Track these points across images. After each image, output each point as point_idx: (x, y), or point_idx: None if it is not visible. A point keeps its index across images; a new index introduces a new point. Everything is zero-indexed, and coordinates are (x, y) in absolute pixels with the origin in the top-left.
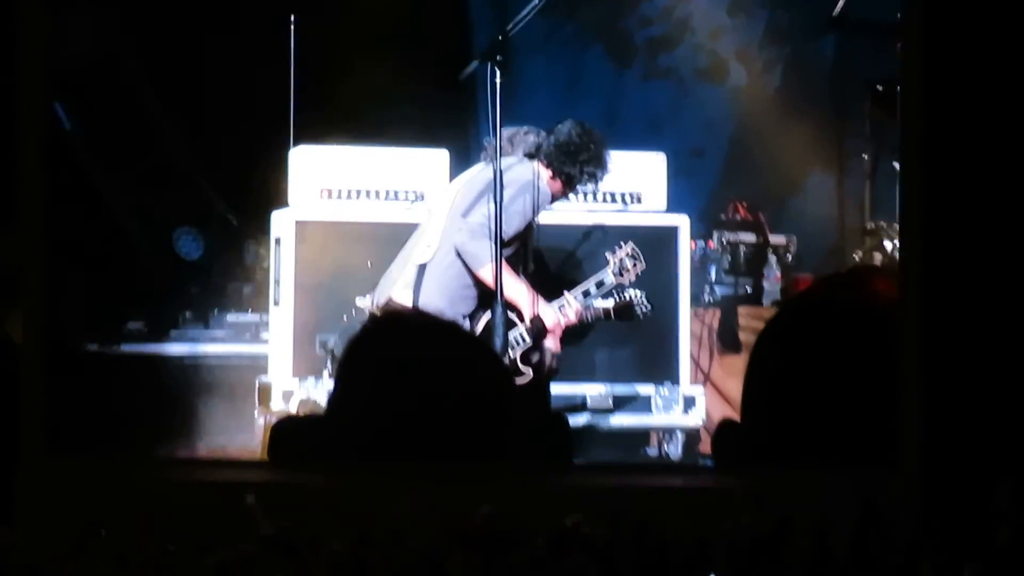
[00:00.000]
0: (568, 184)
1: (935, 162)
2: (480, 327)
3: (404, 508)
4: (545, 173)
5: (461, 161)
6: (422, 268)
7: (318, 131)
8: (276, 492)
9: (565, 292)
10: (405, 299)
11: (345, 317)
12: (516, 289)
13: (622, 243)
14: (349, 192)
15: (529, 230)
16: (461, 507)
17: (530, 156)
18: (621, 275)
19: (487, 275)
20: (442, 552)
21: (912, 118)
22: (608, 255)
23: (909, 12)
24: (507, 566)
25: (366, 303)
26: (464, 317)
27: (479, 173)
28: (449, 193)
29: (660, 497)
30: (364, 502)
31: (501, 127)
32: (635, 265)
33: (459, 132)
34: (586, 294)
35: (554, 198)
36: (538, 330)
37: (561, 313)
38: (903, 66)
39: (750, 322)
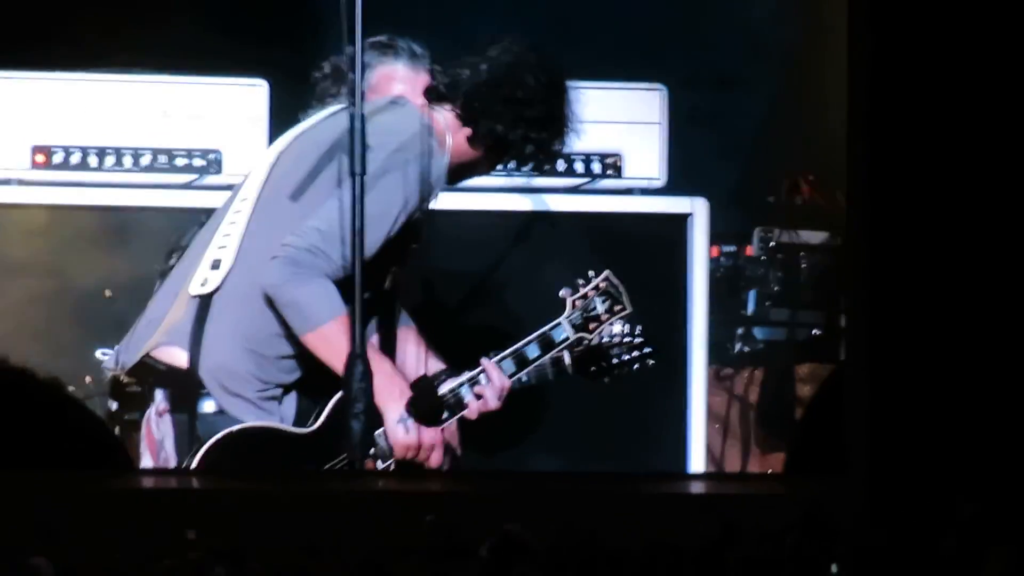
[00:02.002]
0: (494, 152)
1: (880, 180)
2: (320, 418)
3: (349, 517)
4: (453, 126)
5: (291, 100)
6: (205, 302)
7: (21, 49)
8: (215, 500)
9: (483, 359)
10: (172, 356)
11: (88, 379)
12: (382, 365)
13: (591, 272)
14: (83, 155)
15: (414, 230)
16: (406, 516)
17: (427, 96)
18: (586, 326)
19: (324, 344)
20: (387, 560)
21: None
22: (565, 292)
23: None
24: (451, 574)
25: (111, 363)
26: (276, 396)
27: (321, 126)
28: (263, 164)
29: (612, 504)
30: (311, 510)
31: (362, 35)
32: (612, 308)
33: (288, 47)
34: (520, 361)
35: (462, 172)
36: (421, 422)
37: (472, 395)
38: None
39: (817, 391)
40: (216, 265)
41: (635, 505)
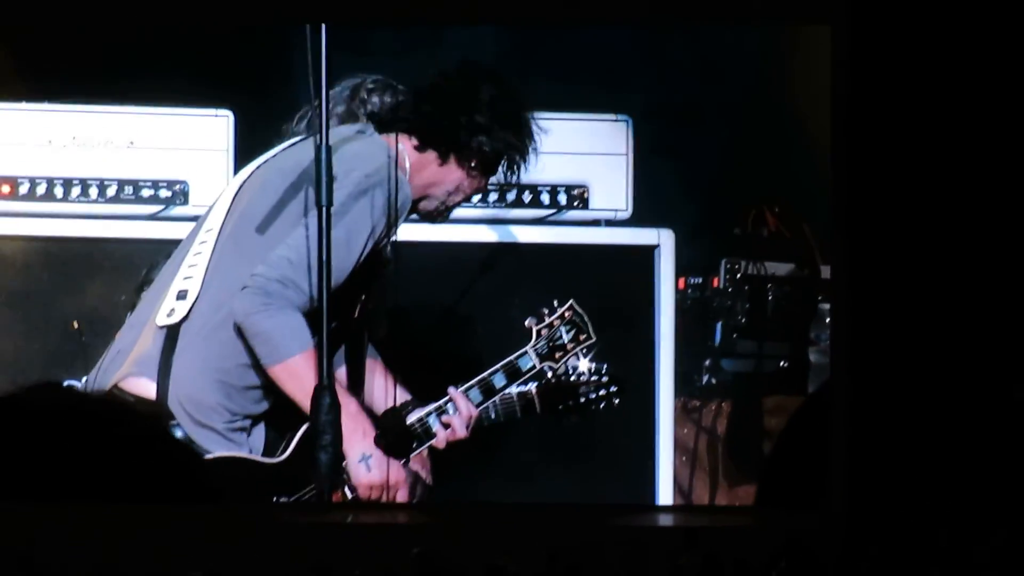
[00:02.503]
0: (460, 169)
1: (862, 209)
2: (288, 450)
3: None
4: (408, 148)
5: (256, 130)
6: (172, 332)
7: None
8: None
9: (451, 388)
10: (140, 387)
11: None
12: (348, 405)
13: (556, 302)
14: (48, 185)
15: (378, 261)
16: (394, 546)
17: (381, 124)
18: (552, 355)
19: (291, 378)
20: None
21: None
22: (530, 321)
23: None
24: None
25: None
26: (247, 424)
27: (285, 155)
28: (227, 194)
29: (590, 536)
30: (283, 541)
31: (328, 71)
32: (578, 337)
33: (253, 80)
34: (487, 390)
35: (436, 199)
36: (390, 453)
37: (440, 424)
38: None
39: (786, 423)
40: (182, 295)
41: (613, 537)
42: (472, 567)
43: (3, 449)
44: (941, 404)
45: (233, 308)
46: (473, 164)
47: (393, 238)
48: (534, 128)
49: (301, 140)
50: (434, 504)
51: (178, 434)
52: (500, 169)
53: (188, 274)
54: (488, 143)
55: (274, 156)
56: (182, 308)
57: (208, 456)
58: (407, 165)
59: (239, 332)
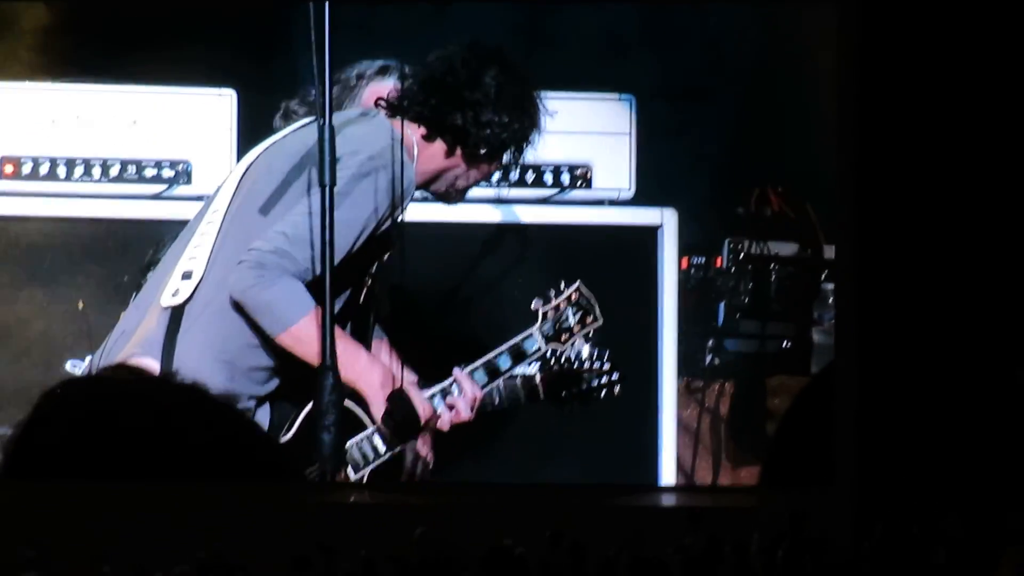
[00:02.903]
0: (464, 151)
1: (868, 188)
2: (291, 430)
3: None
4: (416, 136)
5: (260, 111)
6: (176, 313)
7: None
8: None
9: (455, 369)
10: (144, 367)
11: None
12: (355, 363)
13: (563, 283)
14: (52, 165)
15: (383, 242)
16: (398, 526)
17: (389, 108)
18: (558, 337)
19: (299, 343)
20: (377, 572)
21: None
22: (537, 303)
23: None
24: None
25: (82, 371)
26: (251, 406)
27: (291, 138)
28: (233, 176)
29: (593, 517)
30: (290, 521)
31: (329, 52)
32: (584, 320)
33: (256, 59)
34: (492, 372)
35: (429, 182)
36: (397, 433)
37: (444, 406)
38: None
39: (788, 404)
40: (187, 276)
41: (617, 517)
42: (475, 548)
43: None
44: (946, 384)
45: (230, 283)
46: (481, 153)
47: (399, 219)
48: (540, 110)
49: (308, 123)
50: (437, 485)
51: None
52: (507, 153)
53: (193, 255)
54: (494, 134)
55: (282, 138)
56: (186, 289)
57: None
58: (415, 151)
59: (240, 309)
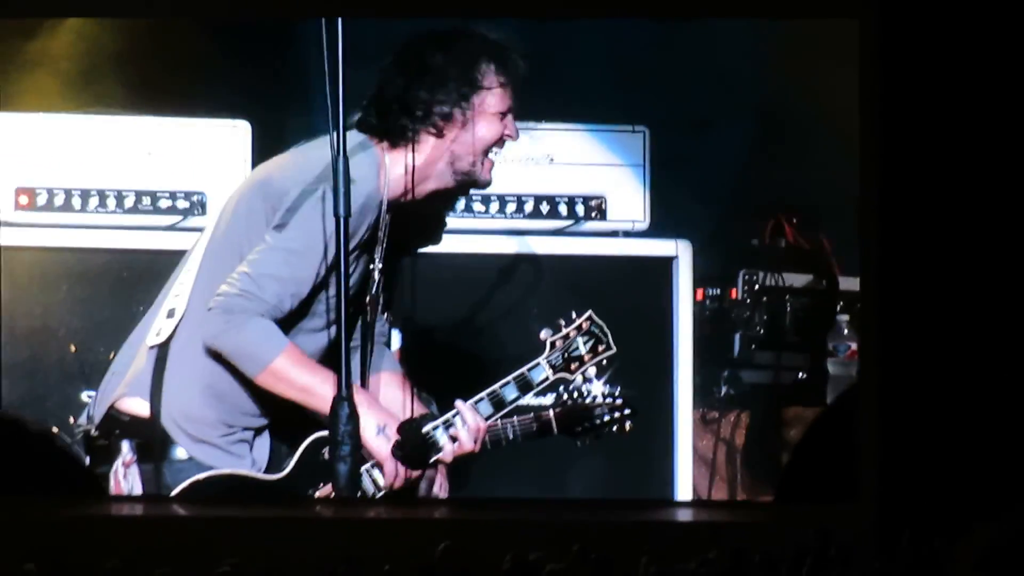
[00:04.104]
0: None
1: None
2: (289, 463)
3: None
4: (388, 152)
5: (274, 142)
6: (162, 352)
7: (11, 89)
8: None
9: (458, 401)
10: (135, 407)
11: (72, 419)
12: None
13: (574, 313)
14: (67, 196)
15: (367, 266)
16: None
17: (365, 129)
18: (567, 367)
19: (278, 381)
20: None
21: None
22: (546, 332)
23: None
24: None
25: (83, 419)
26: (249, 437)
27: (259, 171)
28: (218, 212)
29: (616, 532)
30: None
31: (346, 74)
32: (596, 348)
33: (270, 91)
34: (497, 403)
35: (433, 183)
36: (407, 462)
37: (447, 437)
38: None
39: (803, 433)
40: (171, 314)
41: (639, 533)
42: (499, 561)
43: None
44: (968, 407)
45: (202, 332)
46: (436, 126)
47: (380, 236)
48: (497, 54)
49: (278, 157)
50: (460, 500)
51: (177, 453)
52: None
53: (177, 292)
54: (440, 108)
55: (252, 173)
56: (168, 327)
57: (207, 475)
58: (383, 160)
59: (217, 353)
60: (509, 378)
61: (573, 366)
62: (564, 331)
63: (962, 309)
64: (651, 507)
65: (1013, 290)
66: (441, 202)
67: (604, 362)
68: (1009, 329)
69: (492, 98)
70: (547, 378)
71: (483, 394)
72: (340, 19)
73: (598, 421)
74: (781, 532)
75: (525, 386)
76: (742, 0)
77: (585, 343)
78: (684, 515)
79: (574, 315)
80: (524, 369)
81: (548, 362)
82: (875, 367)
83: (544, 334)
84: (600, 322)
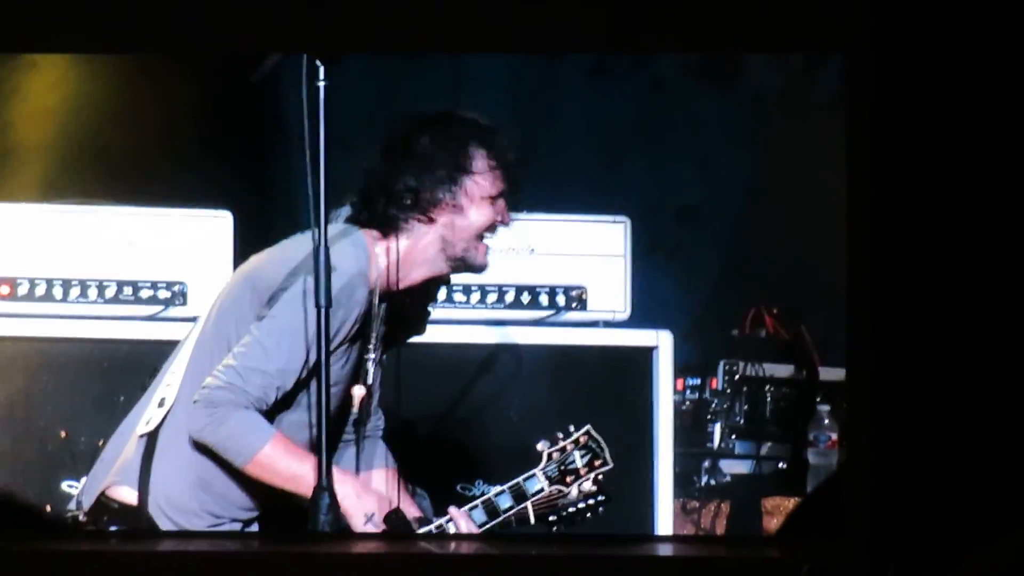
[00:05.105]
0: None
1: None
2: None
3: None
4: (380, 241)
5: (257, 233)
6: (151, 440)
7: None
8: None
9: (452, 508)
10: (123, 495)
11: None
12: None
13: (572, 427)
14: (48, 286)
15: (360, 358)
16: None
17: (354, 221)
18: (563, 479)
19: (265, 471)
20: None
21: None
22: (543, 444)
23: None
24: None
25: (73, 505)
26: (238, 528)
27: (251, 261)
28: (211, 301)
29: (609, 570)
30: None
31: (327, 158)
32: (592, 463)
33: (253, 181)
34: (491, 511)
35: (430, 268)
36: None
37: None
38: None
39: (783, 522)
40: (161, 403)
41: (629, 570)
42: None
43: None
44: (958, 480)
45: (187, 425)
46: (433, 214)
47: (375, 334)
48: (486, 137)
49: (269, 249)
50: (459, 536)
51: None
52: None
53: (168, 381)
54: (428, 194)
55: (254, 265)
56: (158, 416)
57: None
58: (372, 249)
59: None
60: (504, 487)
61: (569, 479)
62: (561, 444)
63: (952, 396)
64: (640, 542)
65: (1008, 383)
66: (437, 289)
67: (600, 476)
68: (999, 407)
69: (483, 182)
70: (542, 489)
71: (478, 501)
72: (322, 101)
73: (573, 508)
74: (773, 570)
75: (520, 496)
76: (718, 35)
77: (582, 457)
78: (674, 550)
79: (572, 428)
80: (520, 479)
81: (544, 473)
82: (864, 450)
83: (541, 446)
84: (598, 437)
